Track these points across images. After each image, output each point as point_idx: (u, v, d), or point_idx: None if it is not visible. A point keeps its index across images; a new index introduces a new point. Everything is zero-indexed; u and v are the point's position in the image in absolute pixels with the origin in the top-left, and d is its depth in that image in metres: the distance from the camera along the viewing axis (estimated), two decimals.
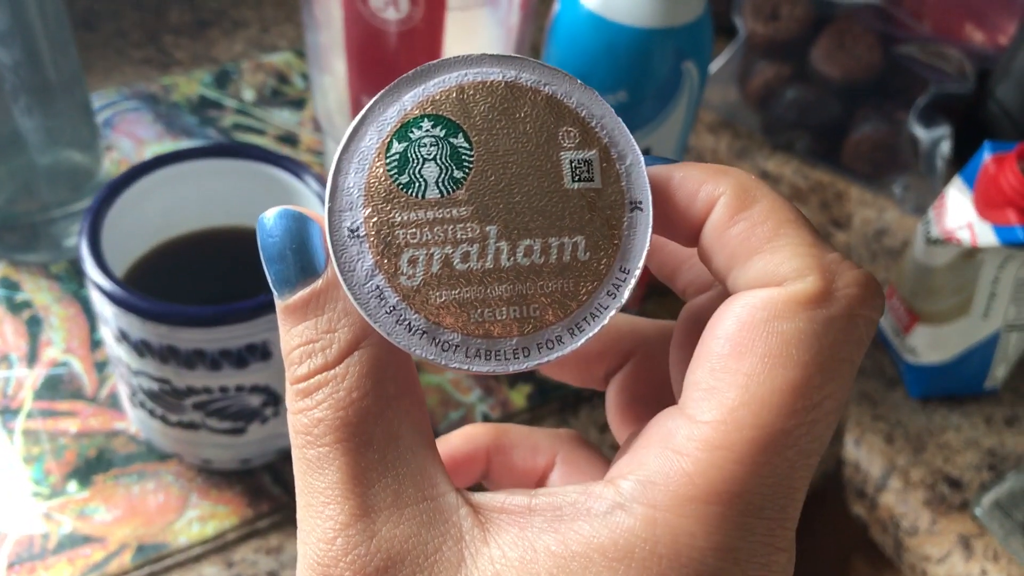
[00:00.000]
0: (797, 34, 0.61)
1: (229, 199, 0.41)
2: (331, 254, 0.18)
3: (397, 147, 0.18)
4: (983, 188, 0.43)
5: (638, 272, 0.18)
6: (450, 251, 0.18)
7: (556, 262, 0.18)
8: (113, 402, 0.43)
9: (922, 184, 0.60)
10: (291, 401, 0.19)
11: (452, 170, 0.18)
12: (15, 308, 0.47)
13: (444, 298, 0.18)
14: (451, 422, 0.45)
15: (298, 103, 0.60)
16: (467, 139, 0.18)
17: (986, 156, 0.43)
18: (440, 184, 0.18)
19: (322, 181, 0.39)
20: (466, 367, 0.18)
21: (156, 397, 0.36)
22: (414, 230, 0.18)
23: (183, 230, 0.41)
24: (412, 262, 0.18)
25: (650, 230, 0.18)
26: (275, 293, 0.19)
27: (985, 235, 0.43)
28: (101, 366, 0.45)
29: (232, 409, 0.37)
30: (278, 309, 0.19)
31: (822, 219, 0.59)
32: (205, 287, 0.41)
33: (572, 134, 0.18)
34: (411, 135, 0.18)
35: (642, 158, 0.19)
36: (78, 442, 0.42)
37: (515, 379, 0.47)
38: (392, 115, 0.18)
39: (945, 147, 0.59)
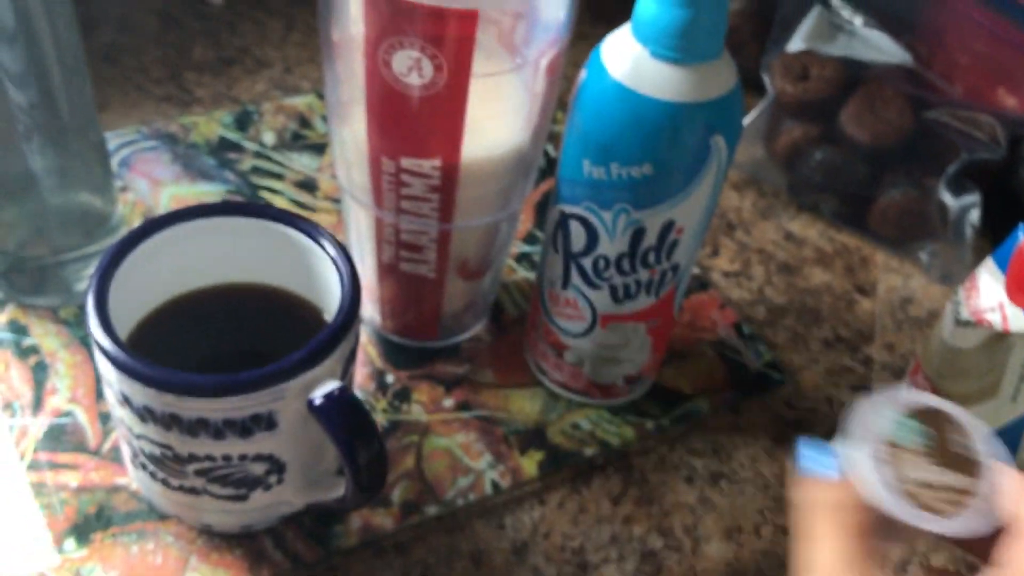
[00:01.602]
0: (826, 95, 0.60)
1: (242, 256, 0.40)
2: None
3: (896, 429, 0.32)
4: (1016, 271, 0.42)
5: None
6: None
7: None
8: (116, 456, 0.42)
9: (950, 252, 0.59)
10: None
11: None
12: (22, 353, 0.46)
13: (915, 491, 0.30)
14: (460, 488, 0.43)
15: (318, 148, 0.60)
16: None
17: (1020, 238, 0.42)
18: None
19: (338, 243, 0.38)
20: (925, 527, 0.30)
21: (158, 461, 0.36)
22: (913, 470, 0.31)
23: (193, 286, 0.40)
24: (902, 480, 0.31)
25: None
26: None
27: (1017, 319, 0.42)
28: (106, 417, 0.44)
29: (235, 477, 0.36)
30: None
31: (846, 284, 0.58)
32: (214, 345, 0.40)
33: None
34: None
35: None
36: (78, 497, 0.41)
37: (526, 446, 0.46)
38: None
39: (975, 215, 0.58)
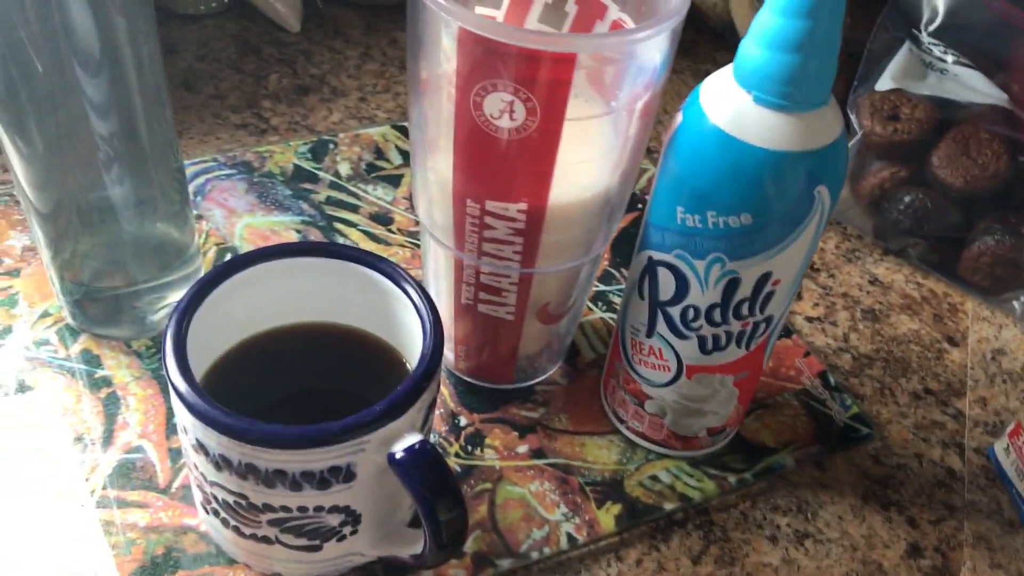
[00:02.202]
0: (917, 137, 0.57)
1: (321, 296, 0.39)
2: None
3: None
4: None
5: None
6: None
7: None
8: (185, 496, 0.42)
9: None
10: None
11: None
12: (94, 385, 0.45)
13: None
14: (534, 540, 0.42)
15: (393, 179, 0.59)
16: None
17: None
18: None
19: (421, 289, 0.37)
20: None
21: (231, 509, 0.35)
22: None
23: (271, 325, 0.40)
24: None
25: None
26: None
27: None
28: (175, 453, 0.43)
29: (309, 528, 0.35)
30: None
31: (935, 334, 0.56)
32: (291, 386, 0.39)
33: None
34: None
35: None
36: (146, 537, 0.40)
37: (603, 498, 0.44)
38: None
39: None
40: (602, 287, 0.54)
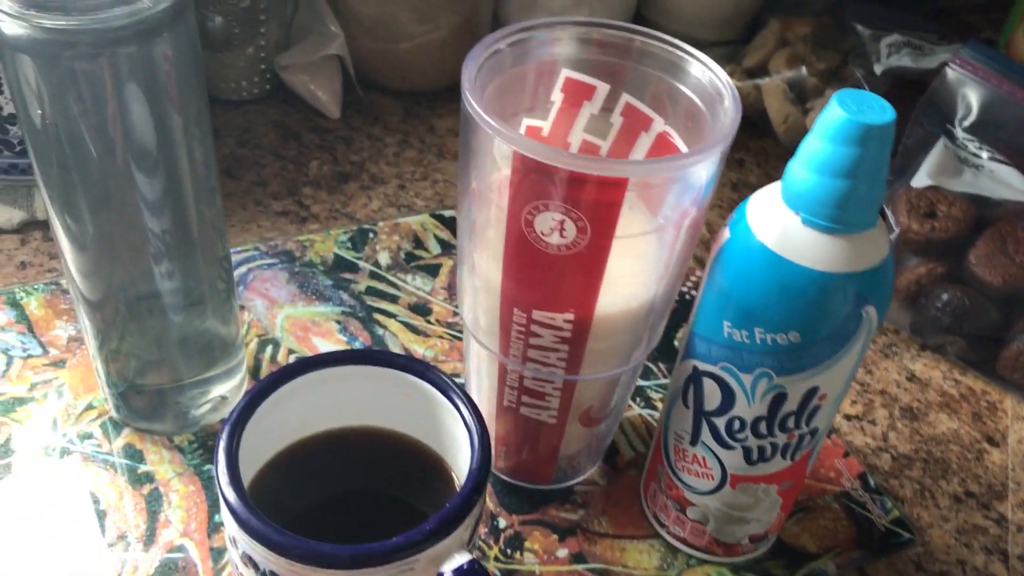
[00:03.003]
0: (954, 234, 0.58)
1: (368, 401, 0.39)
2: None
3: None
4: None
5: None
6: None
7: None
8: None
9: None
10: None
11: None
12: (137, 481, 0.46)
13: None
14: None
15: (431, 269, 0.59)
16: None
17: None
18: None
19: (469, 401, 0.37)
20: None
21: None
22: None
23: (317, 430, 0.40)
24: None
25: None
26: None
27: None
28: (217, 554, 0.43)
29: None
30: None
31: (975, 433, 0.55)
32: (337, 491, 0.39)
33: None
34: None
35: None
36: None
37: None
38: None
39: None
40: (641, 382, 0.54)
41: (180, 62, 0.38)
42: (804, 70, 0.72)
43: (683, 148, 0.40)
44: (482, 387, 0.45)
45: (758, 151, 0.74)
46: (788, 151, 0.65)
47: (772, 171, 0.72)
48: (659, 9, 0.83)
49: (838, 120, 0.32)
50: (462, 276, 0.42)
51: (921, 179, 0.60)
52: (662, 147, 0.40)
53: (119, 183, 0.39)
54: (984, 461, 0.54)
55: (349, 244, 0.61)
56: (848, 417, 0.55)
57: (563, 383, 0.42)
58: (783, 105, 0.72)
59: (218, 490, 0.33)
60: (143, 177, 0.40)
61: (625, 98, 0.41)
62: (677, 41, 0.39)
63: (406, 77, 0.73)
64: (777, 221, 0.35)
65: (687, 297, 0.59)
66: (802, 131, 0.72)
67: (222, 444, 0.34)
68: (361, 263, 0.59)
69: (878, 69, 0.68)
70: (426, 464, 0.39)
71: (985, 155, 0.61)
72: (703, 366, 0.39)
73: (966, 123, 0.62)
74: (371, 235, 0.61)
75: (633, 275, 0.38)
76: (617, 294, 0.38)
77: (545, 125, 0.42)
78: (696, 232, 0.39)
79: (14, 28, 0.35)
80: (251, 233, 0.61)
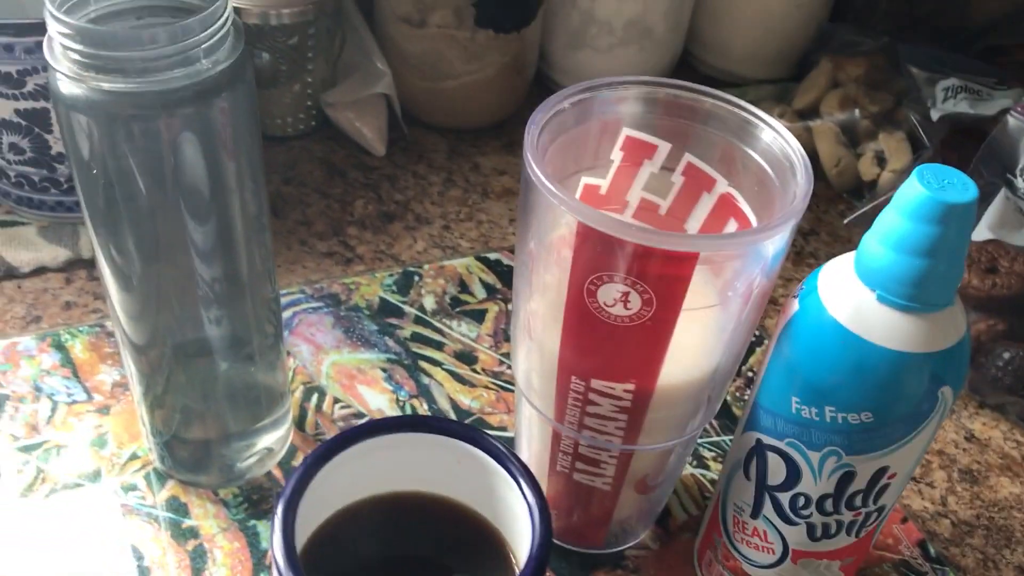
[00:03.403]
0: (1017, 291, 0.56)
1: (418, 467, 0.38)
2: None
3: None
4: None
5: None
6: None
7: None
8: None
9: None
10: None
11: None
12: (181, 536, 0.45)
13: None
14: None
15: (477, 315, 0.59)
16: None
17: None
18: None
19: (523, 466, 0.36)
20: None
21: None
22: None
23: (368, 494, 0.39)
24: None
25: None
26: None
27: None
28: None
29: None
30: None
31: None
32: (386, 556, 0.38)
33: None
34: None
35: None
36: None
37: None
38: None
39: None
40: None
41: (237, 114, 0.37)
42: (857, 112, 0.71)
43: (747, 210, 0.38)
44: (533, 449, 0.44)
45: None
46: (839, 195, 0.64)
47: (823, 215, 0.71)
48: (707, 46, 0.82)
49: (919, 197, 0.31)
50: (515, 334, 0.41)
51: (981, 232, 0.58)
52: (725, 208, 0.39)
53: (170, 228, 0.39)
54: None
55: (394, 287, 0.60)
56: None
57: (620, 452, 0.40)
58: (835, 148, 0.71)
59: (274, 568, 0.32)
60: (195, 224, 0.39)
61: (688, 158, 0.40)
62: (749, 105, 0.38)
63: (451, 115, 0.72)
64: (851, 296, 0.34)
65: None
66: (854, 175, 0.71)
67: (277, 523, 0.33)
68: (406, 307, 0.59)
69: (935, 115, 0.67)
70: (480, 534, 0.38)
71: None
72: (768, 440, 0.38)
73: None
74: (416, 278, 0.61)
75: (696, 346, 0.37)
76: (679, 364, 0.37)
77: (603, 183, 0.41)
78: (763, 303, 0.37)
79: (72, 88, 0.34)
80: (296, 274, 0.60)
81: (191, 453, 0.47)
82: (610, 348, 0.36)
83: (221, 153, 0.37)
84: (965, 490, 0.53)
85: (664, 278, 0.33)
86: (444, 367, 0.55)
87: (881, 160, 0.69)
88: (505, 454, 0.37)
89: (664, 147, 0.40)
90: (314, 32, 0.66)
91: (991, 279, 0.56)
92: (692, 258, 0.32)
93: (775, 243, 0.34)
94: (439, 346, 0.56)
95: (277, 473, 0.48)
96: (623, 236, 0.32)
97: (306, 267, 0.61)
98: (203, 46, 0.34)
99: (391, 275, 0.61)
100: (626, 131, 0.40)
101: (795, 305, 0.36)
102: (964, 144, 0.65)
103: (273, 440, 0.48)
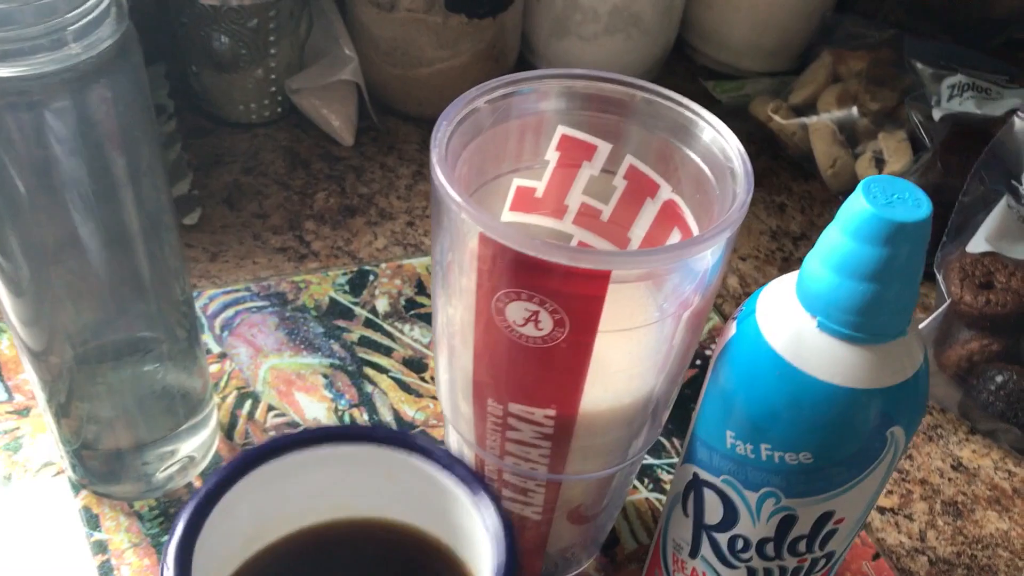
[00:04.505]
0: (1013, 309, 0.52)
1: (350, 488, 0.34)
2: None
3: None
4: None
5: None
6: None
7: None
8: None
9: None
10: None
11: None
12: (90, 549, 0.42)
13: None
14: None
15: (431, 320, 0.55)
16: None
17: None
18: None
19: (472, 472, 0.31)
20: None
21: None
22: None
23: (294, 527, 0.34)
24: None
25: None
26: None
27: None
28: None
29: None
30: None
31: None
32: None
33: None
34: None
35: None
36: None
37: None
38: None
39: None
40: (649, 460, 0.49)
41: (122, 103, 0.34)
42: (855, 110, 0.66)
43: (690, 220, 0.35)
44: None
45: (802, 195, 0.68)
46: (835, 197, 0.59)
47: (816, 218, 0.66)
48: (702, 36, 0.77)
49: (863, 214, 0.27)
50: (437, 358, 0.38)
51: (978, 243, 0.54)
52: (669, 216, 0.36)
53: (57, 229, 0.35)
54: None
55: (347, 287, 0.56)
56: (882, 510, 0.49)
57: (547, 481, 0.37)
58: (831, 148, 0.66)
59: None
60: (81, 220, 0.36)
61: (629, 160, 0.36)
62: (685, 100, 0.34)
63: (425, 104, 0.68)
64: (790, 322, 0.30)
65: None
66: (851, 176, 0.66)
67: (171, 553, 0.29)
68: (357, 309, 0.55)
69: (936, 114, 0.62)
70: (432, 559, 0.34)
71: None
72: (704, 475, 0.34)
73: None
74: (371, 277, 0.57)
75: (626, 370, 0.34)
76: (608, 389, 0.34)
77: (539, 186, 0.37)
78: (699, 322, 0.34)
79: None
80: (245, 270, 0.57)
81: (103, 462, 0.44)
82: (523, 371, 0.32)
83: (106, 145, 0.34)
84: (947, 524, 0.49)
85: (576, 297, 0.29)
86: (390, 374, 0.52)
87: (880, 161, 0.65)
88: (456, 461, 0.32)
89: (604, 147, 0.36)
90: (275, 14, 0.62)
91: (985, 295, 0.52)
92: (604, 276, 0.29)
93: (704, 258, 0.30)
94: (387, 351, 0.53)
95: (199, 484, 0.45)
96: (526, 250, 0.28)
97: (256, 263, 0.58)
98: (71, 28, 0.30)
99: (345, 274, 0.57)
100: (562, 129, 0.36)
101: (732, 328, 0.32)
102: (967, 146, 0.60)
103: (193, 448, 0.45)
